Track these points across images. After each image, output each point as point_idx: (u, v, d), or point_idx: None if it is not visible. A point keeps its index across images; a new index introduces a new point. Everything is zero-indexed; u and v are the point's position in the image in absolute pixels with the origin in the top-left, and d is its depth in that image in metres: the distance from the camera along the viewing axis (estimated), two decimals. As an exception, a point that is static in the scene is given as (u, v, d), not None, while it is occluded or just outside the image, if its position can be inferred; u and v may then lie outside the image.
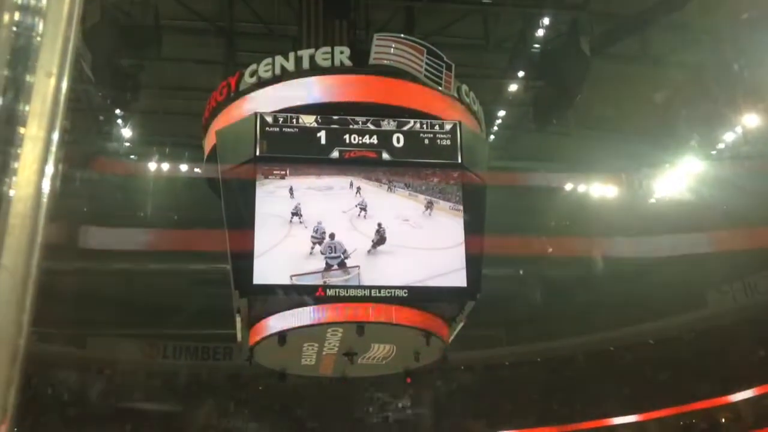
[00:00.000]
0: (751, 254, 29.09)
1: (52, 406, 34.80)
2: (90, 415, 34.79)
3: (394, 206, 14.09)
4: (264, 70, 14.62)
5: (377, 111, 14.41)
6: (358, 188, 13.93)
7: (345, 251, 13.38)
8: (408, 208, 14.11)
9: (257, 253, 13.05)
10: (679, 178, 24.54)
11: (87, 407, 35.11)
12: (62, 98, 1.40)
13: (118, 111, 20.76)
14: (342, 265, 13.32)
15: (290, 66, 14.55)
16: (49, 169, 1.39)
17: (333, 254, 13.39)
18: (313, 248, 13.38)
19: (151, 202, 26.30)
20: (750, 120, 21.64)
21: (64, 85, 1.41)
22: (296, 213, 13.52)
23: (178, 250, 28.39)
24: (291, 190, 13.64)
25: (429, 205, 14.01)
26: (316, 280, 13.22)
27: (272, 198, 13.53)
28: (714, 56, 19.99)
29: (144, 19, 18.39)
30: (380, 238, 13.53)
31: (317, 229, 13.50)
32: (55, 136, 1.40)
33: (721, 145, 23.16)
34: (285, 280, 13.09)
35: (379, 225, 13.65)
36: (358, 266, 13.41)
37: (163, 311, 34.94)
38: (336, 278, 13.31)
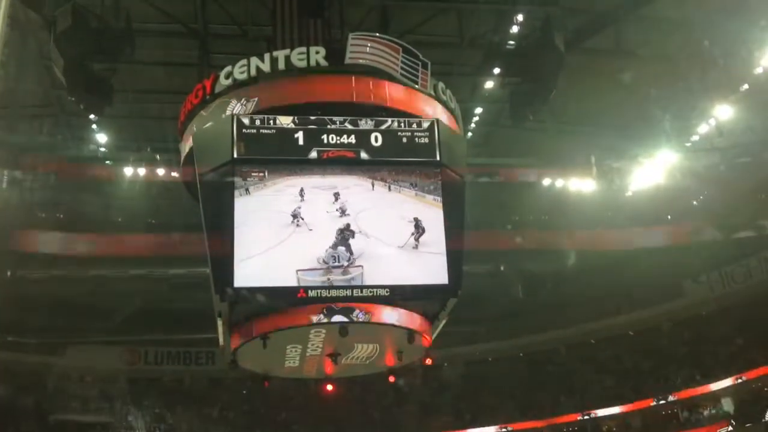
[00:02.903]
0: (727, 244, 29.50)
1: (32, 415, 34.36)
2: (69, 421, 34.41)
3: (395, 206, 14.09)
4: (239, 71, 14.51)
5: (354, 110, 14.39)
6: (336, 193, 13.89)
7: (349, 258, 13.40)
8: (414, 208, 14.09)
9: (244, 255, 13.03)
10: (654, 171, 24.78)
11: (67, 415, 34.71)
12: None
13: (91, 116, 20.48)
14: (345, 270, 13.37)
15: (266, 67, 14.45)
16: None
17: (336, 264, 13.40)
18: (332, 244, 13.44)
19: (127, 207, 26.03)
20: (723, 111, 21.92)
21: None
22: (296, 215, 13.51)
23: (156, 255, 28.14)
24: (302, 191, 13.68)
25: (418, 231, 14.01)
26: (320, 276, 13.21)
27: (266, 200, 13.52)
28: (687, 48, 20.23)
29: (116, 23, 18.17)
30: (342, 239, 13.54)
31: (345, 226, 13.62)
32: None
33: (695, 137, 23.45)
34: (285, 281, 13.11)
35: (345, 227, 13.64)
36: (361, 266, 13.41)
37: (143, 317, 34.59)
38: (339, 277, 13.30)
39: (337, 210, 13.76)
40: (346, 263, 13.33)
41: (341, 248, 13.40)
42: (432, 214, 14.10)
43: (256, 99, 14.31)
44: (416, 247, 13.78)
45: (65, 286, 30.69)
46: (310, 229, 13.46)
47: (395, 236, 13.81)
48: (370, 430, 36.81)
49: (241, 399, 37.83)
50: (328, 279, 13.23)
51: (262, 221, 13.46)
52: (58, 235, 25.27)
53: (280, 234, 13.41)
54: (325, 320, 13.45)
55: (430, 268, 13.83)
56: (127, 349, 37.72)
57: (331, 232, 13.56)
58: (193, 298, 26.41)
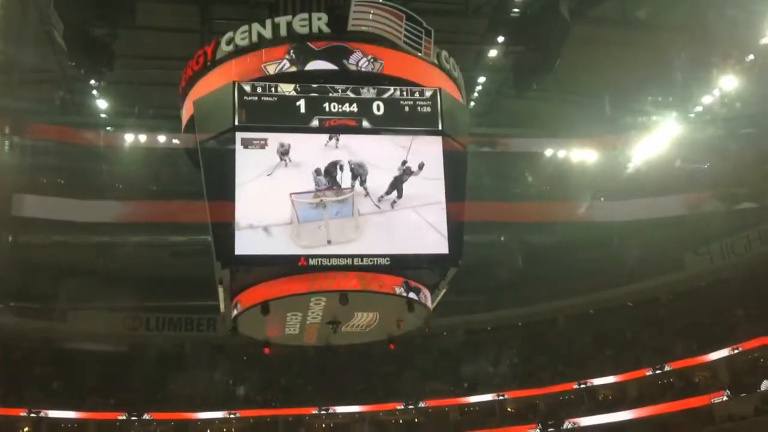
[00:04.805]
0: (728, 216, 29.46)
1: (34, 378, 34.79)
2: (72, 387, 34.83)
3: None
4: (241, 37, 14.35)
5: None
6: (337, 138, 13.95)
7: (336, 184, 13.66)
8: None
9: (242, 180, 13.22)
10: (657, 141, 24.66)
11: (70, 381, 35.12)
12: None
13: (92, 82, 20.36)
14: (336, 184, 13.58)
15: (267, 33, 14.29)
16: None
17: (320, 187, 13.61)
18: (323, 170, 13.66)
19: (128, 173, 25.99)
20: (728, 82, 21.74)
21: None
22: (285, 152, 13.58)
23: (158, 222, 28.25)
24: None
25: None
26: (313, 198, 13.43)
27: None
28: (693, 18, 19.98)
29: (117, -13, 17.96)
30: (332, 174, 13.71)
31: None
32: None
33: (699, 108, 23.28)
34: (280, 207, 13.28)
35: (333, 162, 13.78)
36: (351, 188, 13.58)
37: (144, 284, 34.80)
38: (331, 198, 13.49)
39: (329, 139, 13.88)
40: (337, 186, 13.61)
41: (329, 176, 13.65)
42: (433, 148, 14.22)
43: (382, 62, 14.30)
44: (393, 204, 13.84)
45: (66, 252, 30.85)
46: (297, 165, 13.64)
47: (389, 161, 13.93)
48: (370, 396, 37.26)
49: (242, 365, 38.21)
50: (321, 201, 13.42)
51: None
52: (58, 200, 25.29)
53: (273, 165, 13.58)
54: (405, 294, 14.03)
55: (426, 192, 13.93)
56: (128, 315, 37.97)
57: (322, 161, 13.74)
58: (195, 265, 26.50)
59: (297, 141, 13.72)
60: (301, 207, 13.41)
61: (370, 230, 13.62)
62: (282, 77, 13.99)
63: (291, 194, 13.38)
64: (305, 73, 14.12)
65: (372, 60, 14.22)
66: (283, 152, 13.59)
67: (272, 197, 13.38)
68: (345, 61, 14.16)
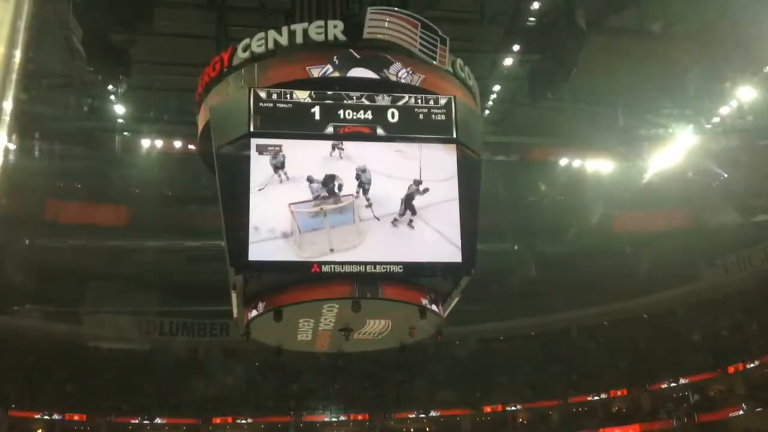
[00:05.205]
0: (745, 227, 29.20)
1: (48, 381, 34.97)
2: (86, 390, 34.99)
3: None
4: (257, 45, 14.40)
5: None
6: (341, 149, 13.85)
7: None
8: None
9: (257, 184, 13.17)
10: (674, 152, 24.52)
11: (83, 383, 35.30)
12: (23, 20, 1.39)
13: (110, 87, 20.55)
14: (334, 195, 13.45)
15: (284, 41, 14.33)
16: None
17: (324, 194, 13.48)
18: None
19: (145, 178, 26.17)
20: (745, 93, 21.59)
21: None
22: (279, 166, 13.45)
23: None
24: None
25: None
26: (312, 207, 13.33)
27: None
28: (710, 29, 19.87)
29: (135, -7, 18.11)
30: (328, 186, 13.58)
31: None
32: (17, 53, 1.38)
33: (716, 119, 23.13)
34: (281, 216, 13.16)
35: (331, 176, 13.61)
36: (351, 195, 13.48)
37: (159, 288, 34.95)
38: (330, 206, 13.40)
39: (333, 149, 13.76)
40: (335, 194, 13.48)
41: (326, 187, 13.49)
42: (447, 156, 14.12)
43: (422, 77, 14.34)
44: (410, 224, 13.69)
45: (82, 256, 31.05)
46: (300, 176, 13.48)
47: (397, 171, 13.81)
48: (382, 404, 37.16)
49: (255, 371, 38.25)
50: (321, 209, 13.34)
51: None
52: (75, 204, 25.50)
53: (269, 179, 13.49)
54: (429, 305, 14.05)
55: (440, 200, 13.83)
56: (143, 319, 38.16)
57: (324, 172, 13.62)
58: (209, 270, 26.62)
59: (300, 151, 13.67)
60: (300, 216, 13.36)
61: (377, 235, 13.56)
62: (323, 82, 13.97)
63: (290, 204, 13.30)
64: (347, 79, 14.15)
65: (411, 72, 14.25)
66: (277, 165, 13.53)
67: (281, 205, 13.38)
68: (386, 71, 14.19)
